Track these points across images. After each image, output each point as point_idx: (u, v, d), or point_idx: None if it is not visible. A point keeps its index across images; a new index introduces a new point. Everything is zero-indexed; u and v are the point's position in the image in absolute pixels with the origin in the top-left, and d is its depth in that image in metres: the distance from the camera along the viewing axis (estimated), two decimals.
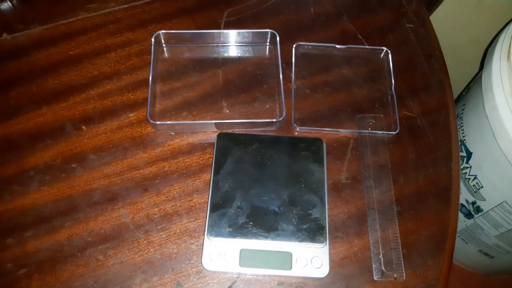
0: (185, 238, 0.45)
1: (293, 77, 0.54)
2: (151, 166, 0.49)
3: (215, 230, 0.44)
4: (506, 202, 0.56)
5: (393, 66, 0.55)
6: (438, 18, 0.88)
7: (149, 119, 0.49)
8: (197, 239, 0.45)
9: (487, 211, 0.61)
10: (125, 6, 0.60)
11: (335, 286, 0.43)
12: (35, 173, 0.49)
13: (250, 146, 0.48)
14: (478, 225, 0.65)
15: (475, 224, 0.65)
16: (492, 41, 0.76)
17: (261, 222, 0.44)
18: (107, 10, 0.60)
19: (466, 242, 0.70)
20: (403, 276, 0.44)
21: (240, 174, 0.47)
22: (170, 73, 0.55)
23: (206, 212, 0.45)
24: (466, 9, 0.84)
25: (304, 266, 0.43)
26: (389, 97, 0.54)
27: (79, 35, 0.58)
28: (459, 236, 0.70)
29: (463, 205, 0.65)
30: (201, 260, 0.43)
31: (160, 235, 0.46)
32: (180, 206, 0.47)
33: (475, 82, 0.66)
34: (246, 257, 0.43)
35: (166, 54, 0.57)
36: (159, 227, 0.46)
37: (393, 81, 0.54)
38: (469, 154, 0.61)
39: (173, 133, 0.51)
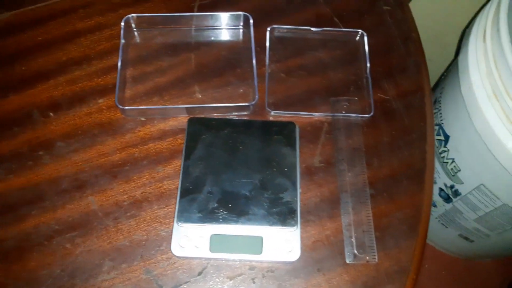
0: (155, 225, 0.45)
1: (267, 60, 0.53)
2: (121, 153, 0.48)
3: (185, 215, 0.43)
4: (483, 185, 0.56)
5: (369, 48, 0.54)
6: (419, 3, 0.87)
7: (117, 104, 0.48)
8: (167, 226, 0.44)
9: (465, 195, 0.61)
10: None
11: (307, 269, 0.43)
12: (1, 162, 0.48)
13: (221, 131, 0.47)
14: (457, 209, 0.65)
15: (454, 208, 0.65)
16: (469, 23, 0.76)
17: (232, 207, 0.43)
18: None
19: (446, 227, 0.70)
20: (375, 258, 0.43)
21: (211, 159, 0.46)
22: (141, 58, 0.54)
23: (176, 198, 0.44)
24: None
25: (275, 250, 0.42)
26: (364, 80, 0.53)
27: (48, 21, 0.57)
28: (439, 220, 0.70)
29: (441, 189, 0.65)
30: (171, 246, 0.42)
31: (129, 222, 0.45)
32: (150, 192, 0.46)
33: (453, 65, 0.66)
34: (217, 242, 0.42)
35: (137, 39, 0.55)
36: (128, 214, 0.45)
37: (368, 64, 0.53)
38: (447, 138, 0.61)
39: (143, 119, 0.50)
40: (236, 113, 0.51)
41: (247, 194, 0.44)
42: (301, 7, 0.58)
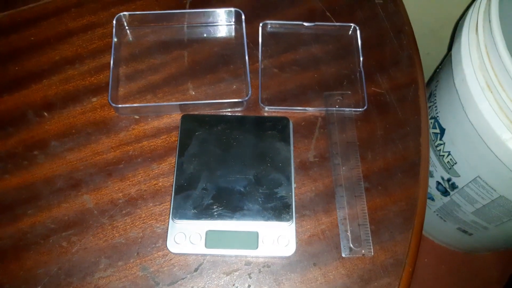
0: (151, 222, 0.45)
1: (260, 56, 0.53)
2: (115, 151, 0.48)
3: (180, 212, 0.43)
4: (479, 177, 0.56)
5: (361, 42, 0.54)
6: None
7: (110, 102, 0.48)
8: (162, 223, 0.44)
9: (462, 187, 0.61)
10: None
11: (303, 264, 0.43)
12: None
13: (215, 127, 0.47)
14: (454, 202, 0.65)
15: (452, 201, 0.65)
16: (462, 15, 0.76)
17: (226, 203, 0.43)
18: None
19: (444, 220, 0.70)
20: (371, 252, 0.43)
21: (205, 156, 0.46)
22: (134, 56, 0.54)
23: (171, 195, 0.44)
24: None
25: (271, 245, 0.42)
26: (358, 74, 0.53)
27: (41, 21, 0.56)
28: (437, 214, 0.70)
29: (439, 183, 0.65)
30: (167, 243, 0.43)
31: (125, 219, 0.45)
32: (145, 190, 0.46)
33: (447, 58, 0.66)
34: (212, 239, 0.42)
35: (129, 37, 0.55)
36: (123, 212, 0.45)
37: (361, 57, 0.53)
38: (442, 131, 0.61)
39: (137, 117, 0.50)
40: (230, 109, 0.51)
41: (241, 189, 0.44)
42: (293, 2, 0.58)
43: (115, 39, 0.52)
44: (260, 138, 0.47)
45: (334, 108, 0.50)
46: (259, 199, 0.43)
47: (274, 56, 0.54)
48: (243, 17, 0.54)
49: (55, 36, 0.55)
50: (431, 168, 0.64)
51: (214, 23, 0.56)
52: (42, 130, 0.49)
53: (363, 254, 0.43)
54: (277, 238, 0.42)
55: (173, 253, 0.43)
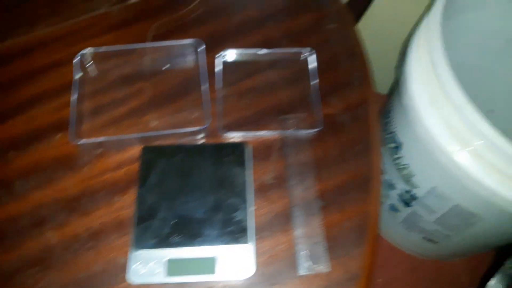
0: (114, 254, 0.46)
1: (219, 84, 0.56)
2: (78, 186, 0.50)
3: (141, 242, 0.44)
4: (435, 188, 0.59)
5: (316, 65, 0.57)
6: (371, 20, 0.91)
7: (71, 139, 0.49)
8: (125, 254, 0.46)
9: (421, 198, 0.63)
10: (51, 28, 0.61)
11: (262, 285, 0.44)
12: None
13: (174, 157, 0.49)
14: (416, 213, 0.67)
15: (414, 212, 0.67)
16: None
17: (186, 231, 0.45)
18: (34, 33, 0.61)
19: (410, 231, 0.73)
20: (328, 268, 0.45)
21: (165, 186, 0.47)
22: (97, 91, 0.56)
23: (133, 226, 0.46)
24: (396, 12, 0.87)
25: (230, 269, 0.44)
26: (313, 96, 0.56)
27: (6, 61, 0.58)
28: (402, 225, 0.73)
29: (400, 195, 0.67)
30: (128, 274, 0.44)
31: (88, 254, 0.46)
32: (108, 222, 0.47)
33: (398, 74, 0.69)
34: (173, 267, 0.44)
35: (93, 72, 0.57)
36: (87, 246, 0.46)
37: (316, 80, 0.56)
38: (400, 145, 0.63)
39: (100, 151, 0.52)
40: (190, 138, 0.52)
41: (200, 217, 0.46)
42: (250, 30, 0.61)
43: (78, 75, 0.54)
44: (218, 165, 0.49)
45: (290, 131, 0.52)
46: (217, 224, 0.45)
47: (232, 83, 0.57)
48: (203, 47, 0.56)
49: (21, 76, 0.57)
50: (393, 181, 0.67)
51: (175, 54, 0.59)
52: (7, 170, 0.51)
53: (320, 271, 0.45)
54: (236, 261, 0.44)
55: (135, 284, 0.44)
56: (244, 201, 0.46)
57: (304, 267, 0.45)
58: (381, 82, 1.05)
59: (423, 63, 0.55)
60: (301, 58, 0.58)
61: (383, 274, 0.74)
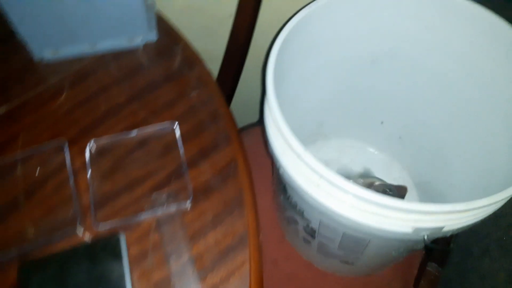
0: None
1: (89, 176, 0.57)
2: None
3: None
4: (322, 221, 0.62)
5: (183, 135, 0.60)
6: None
7: None
8: None
9: (318, 230, 0.66)
10: None
11: None
12: None
13: (51, 268, 0.49)
14: (322, 243, 0.70)
15: (320, 242, 0.70)
16: None
17: None
18: None
19: (327, 258, 0.75)
20: None
21: None
22: None
23: None
24: None
25: None
26: (183, 167, 0.58)
27: None
28: (319, 254, 0.75)
29: (305, 229, 0.70)
30: None
31: None
32: None
33: None
34: None
35: None
36: None
37: (183, 150, 0.59)
38: (286, 184, 0.67)
39: None
40: (68, 240, 0.53)
41: None
42: (116, 114, 0.63)
43: None
44: (95, 263, 0.49)
45: (163, 208, 0.54)
46: None
47: (103, 172, 0.58)
48: (66, 145, 0.58)
49: None
50: (294, 217, 0.70)
51: (41, 157, 0.59)
52: None
53: None
54: None
55: None
56: None
57: None
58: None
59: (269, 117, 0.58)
60: (168, 131, 0.61)
61: None
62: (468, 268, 0.86)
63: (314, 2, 0.63)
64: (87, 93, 0.65)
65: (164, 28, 0.72)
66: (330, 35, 0.70)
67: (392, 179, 0.92)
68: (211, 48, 0.98)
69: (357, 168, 0.93)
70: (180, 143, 0.59)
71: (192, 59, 0.68)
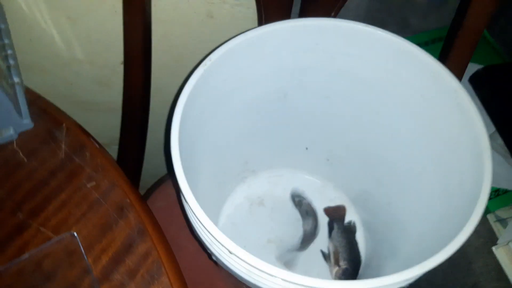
0: None
1: None
2: None
3: None
4: None
5: (86, 245, 0.50)
6: None
7: None
8: None
9: None
10: None
11: None
12: None
13: None
14: None
15: None
16: None
17: None
18: None
19: None
20: None
21: None
22: None
23: None
24: None
25: None
26: (92, 281, 0.49)
27: None
28: None
29: None
30: None
31: None
32: None
33: None
34: None
35: None
36: None
37: (90, 264, 0.49)
38: None
39: None
40: None
41: None
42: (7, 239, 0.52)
43: None
44: None
45: None
46: None
47: None
48: None
49: None
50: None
51: None
52: None
53: None
54: None
55: None
56: None
57: None
58: None
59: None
60: (67, 243, 0.51)
61: None
62: None
63: (214, 53, 0.56)
64: None
65: (41, 107, 0.60)
66: (236, 81, 0.64)
67: (329, 200, 0.88)
68: (108, 100, 0.87)
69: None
70: (83, 254, 0.50)
71: (80, 142, 0.58)
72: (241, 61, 0.61)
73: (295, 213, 0.86)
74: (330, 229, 0.84)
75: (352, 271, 0.79)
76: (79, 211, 0.53)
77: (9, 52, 0.57)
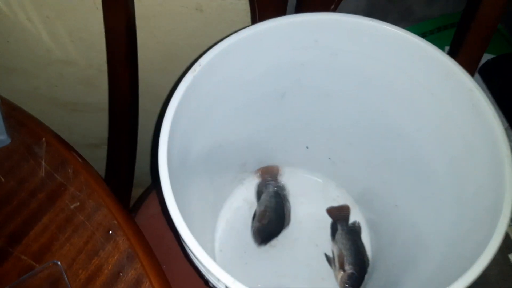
0: None
1: None
2: None
3: None
4: None
5: (72, 274, 0.46)
6: None
7: None
8: None
9: None
10: None
11: None
12: None
13: None
14: None
15: None
16: None
17: None
18: None
19: None
20: None
21: None
22: None
23: None
24: None
25: None
26: None
27: None
28: None
29: None
30: None
31: None
32: None
33: None
34: None
35: None
36: None
37: None
38: None
39: None
40: None
41: None
42: None
43: None
44: None
45: None
46: None
47: None
48: None
49: None
50: None
51: None
52: None
53: None
54: None
55: None
56: None
57: None
58: None
59: None
60: (55, 271, 0.47)
61: None
62: None
63: (204, 57, 0.51)
64: None
65: (18, 120, 0.55)
66: (230, 84, 0.59)
67: (331, 200, 0.84)
68: (95, 101, 0.82)
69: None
70: (67, 283, 0.46)
71: (62, 157, 0.53)
72: (234, 63, 0.55)
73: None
74: (334, 231, 0.80)
75: (358, 276, 0.75)
76: (63, 235, 0.48)
77: None
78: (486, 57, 0.79)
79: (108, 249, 0.48)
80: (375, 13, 0.53)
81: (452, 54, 0.53)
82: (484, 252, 0.40)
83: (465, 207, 0.51)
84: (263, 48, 0.55)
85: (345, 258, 0.76)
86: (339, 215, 0.83)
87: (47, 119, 0.71)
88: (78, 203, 0.50)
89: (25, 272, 0.46)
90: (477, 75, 0.79)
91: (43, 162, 0.52)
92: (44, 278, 0.46)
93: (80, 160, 0.53)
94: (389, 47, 0.54)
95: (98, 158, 0.87)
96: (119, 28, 0.63)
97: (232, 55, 0.54)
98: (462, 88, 0.51)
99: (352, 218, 0.82)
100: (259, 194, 0.82)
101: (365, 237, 0.80)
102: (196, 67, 0.49)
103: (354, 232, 0.80)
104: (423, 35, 0.51)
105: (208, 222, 0.78)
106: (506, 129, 0.79)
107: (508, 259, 0.65)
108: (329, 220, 0.82)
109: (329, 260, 0.78)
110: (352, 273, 0.75)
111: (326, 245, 0.79)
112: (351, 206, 0.83)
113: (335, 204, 0.83)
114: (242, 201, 0.83)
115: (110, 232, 0.49)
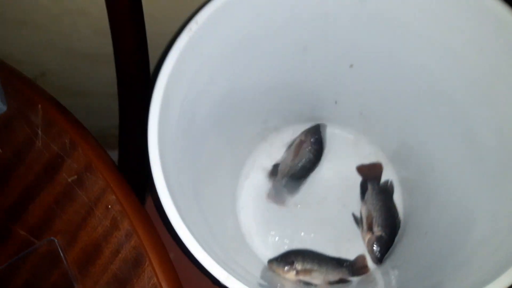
0: None
1: None
2: None
3: None
4: None
5: (66, 249, 0.45)
6: None
7: None
8: None
9: None
10: None
11: None
12: None
13: None
14: None
15: None
16: None
17: None
18: None
19: None
20: None
21: None
22: None
23: None
24: None
25: None
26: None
27: None
28: None
29: None
30: None
31: None
32: None
33: None
34: None
35: None
36: None
37: (72, 270, 0.44)
38: None
39: None
40: None
41: None
42: None
43: None
44: None
45: None
46: None
47: None
48: None
49: None
50: None
51: None
52: None
53: None
54: None
55: None
56: None
57: None
58: None
59: None
60: (52, 249, 0.46)
61: None
62: None
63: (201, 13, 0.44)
64: None
65: (14, 86, 0.52)
66: (240, 38, 0.51)
67: (363, 157, 0.77)
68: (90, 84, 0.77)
69: None
70: (63, 260, 0.44)
71: (58, 126, 0.50)
72: (245, 14, 0.47)
73: None
74: (363, 190, 0.74)
75: (387, 239, 0.70)
76: (61, 210, 0.47)
77: None
78: None
79: (106, 225, 0.45)
80: None
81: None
82: None
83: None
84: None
85: (374, 219, 0.71)
86: (370, 173, 0.76)
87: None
88: (76, 177, 0.47)
89: (24, 248, 0.45)
90: None
91: (39, 132, 0.49)
92: (42, 255, 0.45)
93: (78, 129, 0.49)
94: None
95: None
96: None
97: (240, 6, 0.46)
98: None
99: (384, 177, 0.75)
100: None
101: (398, 199, 0.74)
102: (192, 26, 0.42)
103: (385, 192, 0.74)
104: None
105: (227, 180, 0.74)
106: None
107: None
108: (358, 179, 0.75)
109: (357, 221, 0.73)
110: (381, 236, 0.70)
111: (355, 205, 0.74)
112: (383, 164, 0.76)
113: (366, 162, 0.76)
114: (266, 158, 0.78)
115: (109, 207, 0.46)
